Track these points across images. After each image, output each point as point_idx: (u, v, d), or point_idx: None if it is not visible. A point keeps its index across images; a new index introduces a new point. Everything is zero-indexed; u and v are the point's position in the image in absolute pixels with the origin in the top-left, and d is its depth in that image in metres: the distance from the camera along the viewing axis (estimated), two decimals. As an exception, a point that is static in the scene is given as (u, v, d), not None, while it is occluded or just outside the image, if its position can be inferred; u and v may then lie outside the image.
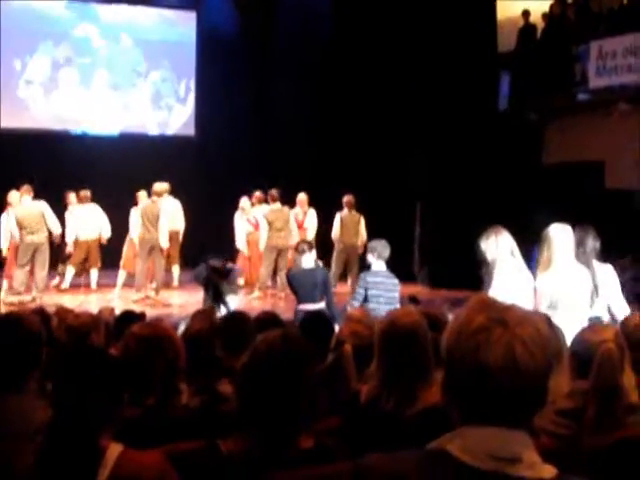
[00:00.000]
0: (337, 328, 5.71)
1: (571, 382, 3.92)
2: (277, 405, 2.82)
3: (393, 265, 16.94)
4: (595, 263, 7.14)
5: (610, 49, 15.31)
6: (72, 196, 15.67)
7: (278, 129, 19.38)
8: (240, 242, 16.20)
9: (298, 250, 10.21)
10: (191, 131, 20.29)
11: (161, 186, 15.18)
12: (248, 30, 19.51)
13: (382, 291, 9.15)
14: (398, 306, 8.95)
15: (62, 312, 7.81)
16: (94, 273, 15.79)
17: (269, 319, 5.76)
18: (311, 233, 15.89)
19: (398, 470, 1.90)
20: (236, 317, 5.41)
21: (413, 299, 9.71)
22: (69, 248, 15.27)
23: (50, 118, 19.25)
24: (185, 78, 20.38)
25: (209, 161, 18.90)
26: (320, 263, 10.61)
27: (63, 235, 14.94)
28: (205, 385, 4.58)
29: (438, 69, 17.03)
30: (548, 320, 4.18)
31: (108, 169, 17.47)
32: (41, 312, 7.18)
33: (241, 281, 16.35)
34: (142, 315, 7.60)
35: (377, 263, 9.47)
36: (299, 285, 9.85)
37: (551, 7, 17.79)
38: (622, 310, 6.93)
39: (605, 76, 15.40)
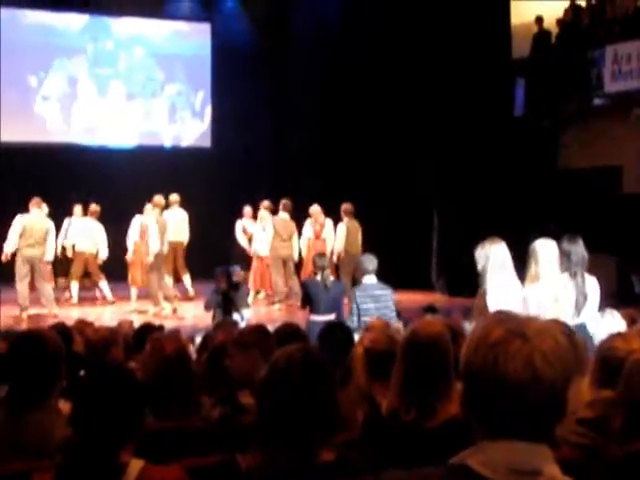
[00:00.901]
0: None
1: (594, 390, 3.90)
2: (296, 419, 2.81)
3: (411, 274, 17.06)
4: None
5: (625, 53, 15.28)
6: (77, 208, 15.74)
7: (293, 139, 19.41)
8: (259, 247, 16.15)
9: (317, 265, 10.36)
10: (207, 143, 20.33)
11: (162, 199, 15.30)
12: (262, 41, 19.55)
13: (373, 303, 9.35)
14: (394, 315, 9.28)
15: (82, 326, 7.85)
16: (104, 285, 15.84)
17: (290, 331, 5.75)
18: (329, 244, 15.84)
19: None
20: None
21: (431, 308, 9.70)
22: (60, 253, 15.31)
23: (67, 132, 19.35)
24: (201, 91, 20.43)
25: (224, 173, 18.89)
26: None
27: (61, 248, 15.16)
28: (226, 396, 4.59)
29: (453, 76, 16.99)
30: (568, 330, 4.17)
31: (124, 182, 17.48)
32: (61, 327, 7.20)
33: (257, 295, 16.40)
34: (161, 328, 7.63)
35: (366, 277, 9.68)
36: (315, 297, 10.05)
37: (565, 12, 17.77)
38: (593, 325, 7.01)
39: (620, 80, 15.36)
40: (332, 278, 10.56)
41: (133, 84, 19.89)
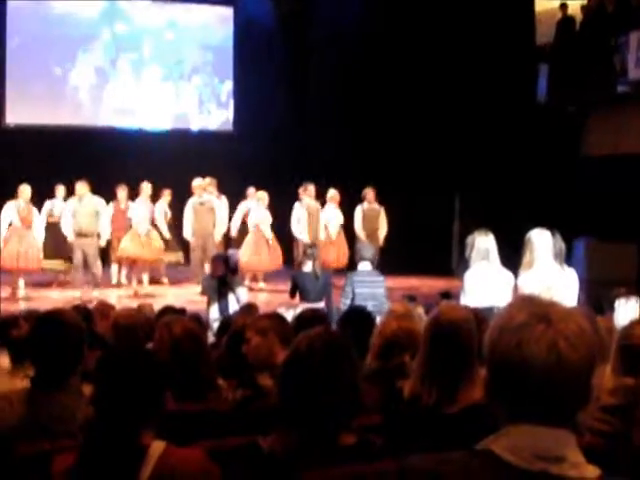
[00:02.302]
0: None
1: (617, 378, 3.88)
2: (318, 402, 2.82)
3: (431, 259, 17.03)
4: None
5: (650, 40, 15.17)
6: (61, 189, 15.52)
7: (315, 123, 19.38)
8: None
9: (307, 254, 10.99)
10: (229, 127, 20.39)
11: (204, 182, 15.52)
12: (285, 24, 19.53)
13: (367, 289, 9.94)
14: (385, 301, 9.86)
15: (104, 308, 7.86)
16: (114, 269, 16.09)
17: (312, 316, 5.76)
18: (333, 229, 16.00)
19: (443, 471, 1.89)
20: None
21: (446, 294, 9.77)
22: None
23: (97, 117, 19.64)
24: (227, 79, 20.49)
25: (247, 158, 18.82)
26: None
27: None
28: (245, 379, 4.60)
29: (476, 62, 16.95)
30: (591, 316, 4.16)
31: (151, 165, 17.44)
32: (82, 308, 7.22)
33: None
34: (182, 311, 7.63)
35: (362, 264, 10.36)
36: (304, 286, 10.68)
37: (589, -1, 17.69)
38: None
39: (645, 67, 15.25)
40: (318, 267, 11.06)
41: (160, 68, 20.05)
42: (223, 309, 11.03)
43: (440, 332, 3.71)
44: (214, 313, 11.02)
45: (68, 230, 14.45)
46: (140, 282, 15.53)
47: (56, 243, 14.98)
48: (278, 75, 19.34)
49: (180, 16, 20.14)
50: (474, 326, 3.76)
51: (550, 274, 7.41)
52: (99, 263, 14.64)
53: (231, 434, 3.46)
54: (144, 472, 2.76)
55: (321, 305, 10.46)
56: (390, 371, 4.63)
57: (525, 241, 7.56)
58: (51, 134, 18.25)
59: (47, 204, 15.11)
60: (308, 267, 10.85)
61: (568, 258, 7.79)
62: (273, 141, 19.05)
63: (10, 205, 14.43)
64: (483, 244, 7.86)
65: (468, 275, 7.85)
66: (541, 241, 7.46)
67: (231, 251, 12.55)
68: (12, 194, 14.53)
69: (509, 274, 7.84)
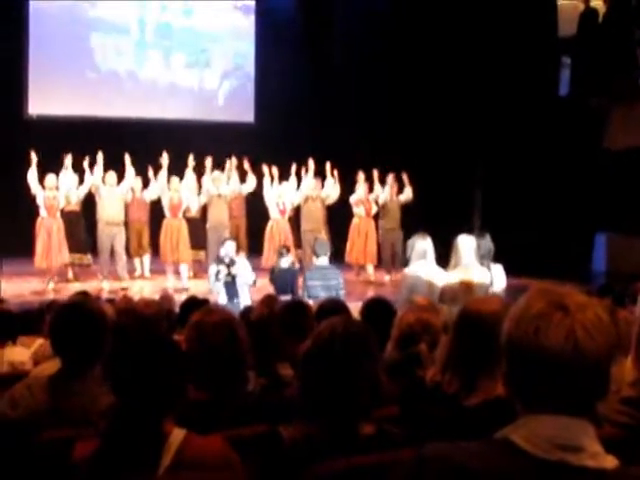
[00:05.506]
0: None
1: (637, 370, 3.86)
2: (338, 391, 2.83)
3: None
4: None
5: (672, 33, 15.11)
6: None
7: (337, 108, 19.42)
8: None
9: (279, 253, 12.20)
10: (251, 118, 20.43)
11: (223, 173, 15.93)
12: (307, 12, 19.56)
13: (324, 281, 10.85)
14: (341, 293, 10.79)
15: (127, 299, 7.90)
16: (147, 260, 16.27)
17: (333, 306, 5.78)
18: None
19: (462, 459, 1.89)
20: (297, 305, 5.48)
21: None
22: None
23: (118, 108, 19.83)
24: (246, 69, 20.62)
25: (268, 147, 18.82)
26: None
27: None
28: (266, 368, 4.61)
29: (498, 55, 16.92)
30: (610, 308, 4.14)
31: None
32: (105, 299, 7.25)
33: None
34: (206, 302, 7.65)
35: (319, 259, 11.17)
36: (278, 280, 11.88)
37: (613, -9, 17.57)
38: None
39: (667, 60, 15.19)
40: (286, 266, 12.12)
41: (186, 57, 20.30)
42: (231, 294, 11.76)
43: (468, 323, 3.68)
44: (222, 297, 11.65)
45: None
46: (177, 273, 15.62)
47: (77, 236, 15.04)
48: (300, 66, 19.38)
49: (201, 9, 20.30)
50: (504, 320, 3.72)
51: (473, 274, 8.33)
52: (124, 254, 14.81)
53: (251, 423, 3.47)
54: (165, 460, 2.78)
55: (287, 298, 11.22)
56: (405, 361, 4.63)
57: (453, 245, 8.48)
58: (74, 124, 18.33)
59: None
60: (279, 264, 12.01)
61: (590, 251, 8.08)
62: (293, 131, 19.09)
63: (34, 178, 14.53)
64: (421, 246, 8.75)
65: (408, 272, 8.80)
66: (465, 245, 8.38)
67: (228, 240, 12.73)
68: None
69: (443, 273, 8.65)
